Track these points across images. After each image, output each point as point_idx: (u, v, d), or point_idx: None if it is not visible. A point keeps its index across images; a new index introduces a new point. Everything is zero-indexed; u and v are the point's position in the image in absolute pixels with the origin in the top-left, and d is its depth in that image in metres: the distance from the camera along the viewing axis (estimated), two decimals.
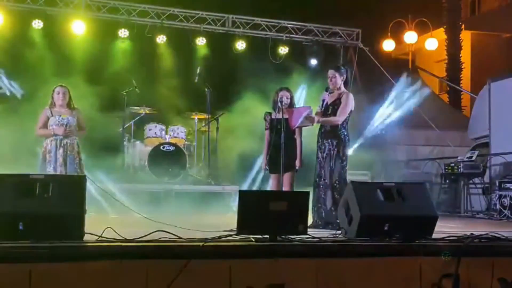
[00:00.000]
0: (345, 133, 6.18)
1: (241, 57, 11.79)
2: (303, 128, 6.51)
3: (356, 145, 10.58)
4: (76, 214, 4.02)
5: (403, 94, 11.85)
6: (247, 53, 11.80)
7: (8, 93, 10.17)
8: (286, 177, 6.41)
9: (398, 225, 4.50)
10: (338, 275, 4.02)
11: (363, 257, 4.15)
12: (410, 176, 10.68)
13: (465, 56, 18.20)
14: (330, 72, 6.28)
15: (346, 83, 6.36)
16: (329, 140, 6.14)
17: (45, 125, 6.76)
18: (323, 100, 6.28)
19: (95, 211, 6.41)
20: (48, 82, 7.90)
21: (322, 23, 12.41)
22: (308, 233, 4.36)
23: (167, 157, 9.50)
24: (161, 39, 11.29)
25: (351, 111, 6.21)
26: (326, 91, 6.30)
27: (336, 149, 6.10)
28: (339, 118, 6.14)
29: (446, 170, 10.28)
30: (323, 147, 6.18)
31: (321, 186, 6.11)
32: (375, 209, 4.55)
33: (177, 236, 4.13)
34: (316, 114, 6.26)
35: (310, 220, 4.78)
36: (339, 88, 6.25)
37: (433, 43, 14.16)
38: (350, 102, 6.18)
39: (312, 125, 6.28)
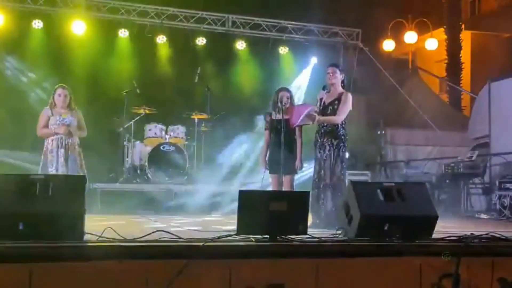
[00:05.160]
0: (344, 133, 6.19)
1: (241, 57, 11.80)
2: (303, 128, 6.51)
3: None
4: (76, 214, 4.01)
5: None
6: (247, 53, 11.80)
7: None
8: (287, 177, 6.40)
9: (398, 225, 4.49)
10: (338, 275, 4.01)
11: (363, 257, 4.14)
12: (410, 176, 10.67)
13: (465, 56, 18.20)
14: (331, 68, 6.28)
15: (343, 84, 6.36)
16: (329, 140, 6.14)
17: (46, 125, 6.76)
18: (321, 99, 6.27)
19: (94, 211, 6.42)
20: (48, 82, 7.90)
21: (322, 23, 12.39)
22: (308, 233, 4.35)
23: (167, 157, 9.51)
24: (161, 39, 11.29)
25: (349, 111, 6.22)
26: (324, 89, 6.29)
27: (336, 149, 6.10)
28: (339, 117, 6.14)
29: (446, 170, 10.25)
30: (323, 147, 6.17)
31: (321, 186, 6.10)
32: (375, 209, 4.54)
33: (177, 236, 4.12)
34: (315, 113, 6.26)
35: (310, 220, 4.78)
36: (337, 87, 6.25)
37: (433, 43, 14.13)
38: (349, 102, 6.19)
39: (313, 123, 6.27)
